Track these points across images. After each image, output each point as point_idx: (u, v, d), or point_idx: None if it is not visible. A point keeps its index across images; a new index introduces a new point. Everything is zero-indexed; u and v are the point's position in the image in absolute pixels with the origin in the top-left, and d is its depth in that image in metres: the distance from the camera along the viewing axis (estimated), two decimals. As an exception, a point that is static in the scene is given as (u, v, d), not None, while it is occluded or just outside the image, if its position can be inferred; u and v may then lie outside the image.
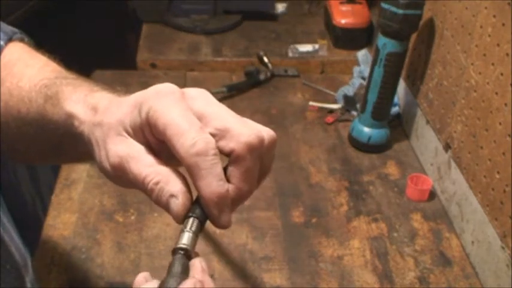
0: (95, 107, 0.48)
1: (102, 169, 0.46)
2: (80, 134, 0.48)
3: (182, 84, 1.21)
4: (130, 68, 1.28)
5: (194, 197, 0.43)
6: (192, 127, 0.40)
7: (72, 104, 0.50)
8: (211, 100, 0.43)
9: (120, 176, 0.44)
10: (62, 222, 0.86)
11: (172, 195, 0.42)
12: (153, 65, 1.27)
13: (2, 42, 0.60)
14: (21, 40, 0.63)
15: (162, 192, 0.42)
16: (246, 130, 0.42)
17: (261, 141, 0.43)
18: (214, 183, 0.41)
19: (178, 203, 0.42)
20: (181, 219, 0.42)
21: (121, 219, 0.87)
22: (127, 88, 1.24)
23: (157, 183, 0.42)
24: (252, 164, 0.43)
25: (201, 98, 0.43)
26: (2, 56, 0.59)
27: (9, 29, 0.62)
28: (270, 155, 0.45)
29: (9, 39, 0.60)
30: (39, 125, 0.53)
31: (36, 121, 0.54)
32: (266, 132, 0.43)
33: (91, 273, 0.78)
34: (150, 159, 0.43)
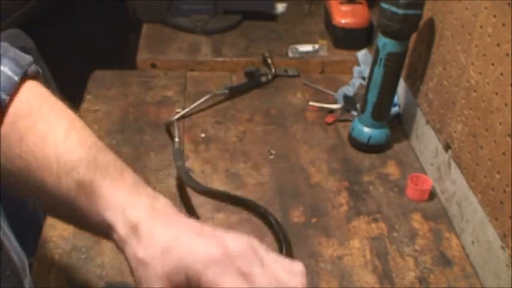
0: (135, 226, 0.49)
1: None
2: (116, 244, 0.50)
3: (182, 84, 1.21)
4: (130, 68, 1.28)
5: None
6: None
7: (111, 214, 0.50)
8: (254, 261, 0.45)
9: None
10: (62, 222, 0.85)
11: None
12: (153, 65, 1.27)
13: (16, 78, 0.54)
14: (36, 74, 0.58)
15: None
16: None
17: None
18: None
19: None
20: None
21: (121, 219, 0.87)
22: (127, 88, 1.25)
23: None
24: None
25: (247, 258, 0.45)
26: (17, 98, 0.54)
27: (23, 58, 0.57)
28: None
29: (24, 74, 0.55)
30: (67, 206, 0.52)
31: (63, 201, 0.52)
32: None
33: (91, 273, 0.78)
34: None
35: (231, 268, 0.44)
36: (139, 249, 0.48)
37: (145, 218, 0.49)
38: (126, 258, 0.50)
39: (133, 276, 0.49)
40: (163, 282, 0.46)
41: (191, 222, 0.50)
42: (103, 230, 0.50)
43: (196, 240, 0.47)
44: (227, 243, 0.46)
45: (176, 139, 0.98)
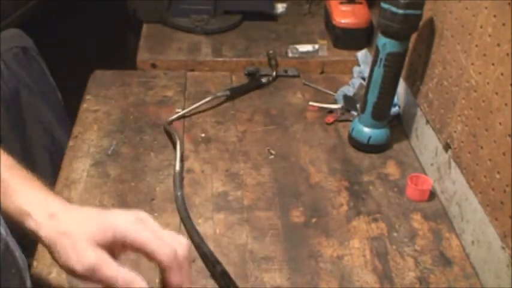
0: (52, 214, 0.58)
1: (68, 269, 0.56)
2: (33, 232, 0.57)
3: (182, 84, 1.21)
4: (130, 68, 1.28)
5: None
6: (163, 243, 0.57)
7: (27, 205, 0.58)
8: (156, 224, 0.59)
9: (88, 276, 0.55)
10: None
11: None
12: (153, 65, 1.27)
13: None
14: None
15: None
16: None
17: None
18: (184, 278, 0.58)
19: None
20: None
21: (121, 219, 0.87)
22: (127, 88, 1.24)
23: (129, 282, 0.56)
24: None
25: (148, 222, 0.58)
26: None
27: None
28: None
29: None
30: None
31: None
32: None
33: (91, 273, 0.78)
34: (115, 264, 0.56)
35: (145, 227, 0.57)
36: (60, 226, 0.57)
37: (61, 210, 0.58)
38: (41, 240, 0.57)
39: (54, 254, 0.56)
40: (87, 240, 0.56)
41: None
42: (16, 217, 0.58)
43: (113, 212, 0.59)
44: (136, 212, 0.59)
45: (178, 160, 0.97)
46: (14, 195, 0.59)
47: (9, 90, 1.19)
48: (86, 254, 0.56)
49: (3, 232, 0.58)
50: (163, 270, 0.58)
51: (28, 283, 0.63)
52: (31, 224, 0.57)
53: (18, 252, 0.61)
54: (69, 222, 0.58)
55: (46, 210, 0.58)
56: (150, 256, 0.58)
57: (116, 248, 0.58)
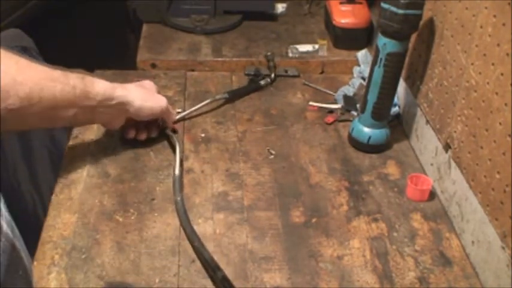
0: (121, 86, 0.95)
1: (151, 109, 0.97)
2: (122, 99, 0.93)
3: (182, 84, 1.21)
4: (130, 68, 1.28)
5: None
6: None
7: (106, 84, 0.92)
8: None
9: (161, 113, 1.00)
10: (62, 222, 0.86)
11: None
12: (153, 65, 1.27)
13: None
14: None
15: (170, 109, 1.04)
16: None
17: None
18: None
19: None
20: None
21: (121, 219, 0.87)
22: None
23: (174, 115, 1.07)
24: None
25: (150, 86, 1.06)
26: None
27: None
28: None
29: None
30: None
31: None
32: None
33: (91, 273, 0.78)
34: None
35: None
36: (134, 85, 0.97)
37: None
38: (127, 100, 0.93)
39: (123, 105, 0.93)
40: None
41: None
42: (105, 96, 0.89)
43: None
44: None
45: (177, 164, 0.96)
46: (95, 82, 0.88)
47: (9, 90, 1.19)
48: (162, 97, 1.00)
49: (9, 233, 0.58)
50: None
51: (33, 284, 0.63)
52: (120, 92, 0.91)
53: (24, 253, 0.61)
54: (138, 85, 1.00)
55: (117, 84, 0.93)
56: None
57: None
